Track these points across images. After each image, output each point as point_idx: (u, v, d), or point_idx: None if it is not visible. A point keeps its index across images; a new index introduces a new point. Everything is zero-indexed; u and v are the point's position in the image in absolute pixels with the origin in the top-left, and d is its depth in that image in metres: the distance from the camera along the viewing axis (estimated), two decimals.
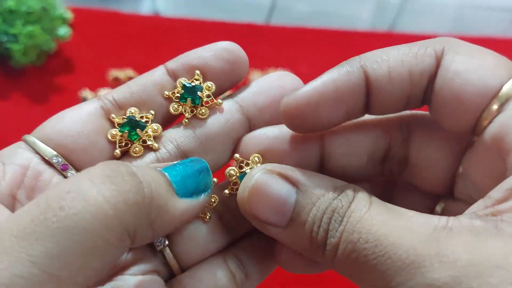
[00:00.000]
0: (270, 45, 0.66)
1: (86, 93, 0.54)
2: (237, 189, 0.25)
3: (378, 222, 0.20)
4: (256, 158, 0.26)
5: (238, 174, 0.26)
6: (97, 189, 0.19)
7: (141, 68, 0.59)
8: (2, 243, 0.18)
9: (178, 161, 0.25)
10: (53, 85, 0.57)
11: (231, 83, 0.28)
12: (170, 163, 0.24)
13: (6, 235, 0.18)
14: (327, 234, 0.21)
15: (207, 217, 0.27)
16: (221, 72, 0.27)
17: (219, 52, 0.27)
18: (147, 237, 0.21)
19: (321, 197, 0.22)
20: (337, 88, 0.24)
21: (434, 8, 0.79)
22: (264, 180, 0.24)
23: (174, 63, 0.27)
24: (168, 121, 0.27)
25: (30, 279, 0.18)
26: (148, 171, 0.22)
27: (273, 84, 0.27)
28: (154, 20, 0.69)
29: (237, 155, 0.26)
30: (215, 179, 0.26)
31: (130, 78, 0.57)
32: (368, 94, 0.24)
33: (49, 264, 0.18)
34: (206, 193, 0.24)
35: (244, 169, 0.26)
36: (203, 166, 0.25)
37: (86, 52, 0.61)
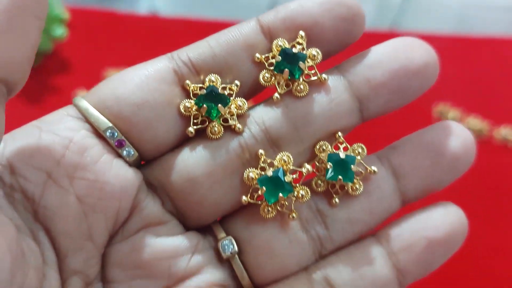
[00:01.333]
0: None
1: (82, 93, 0.53)
2: (258, 197, 0.20)
3: None
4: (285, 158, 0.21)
5: (257, 177, 0.20)
6: None
7: None
8: None
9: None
10: (50, 85, 0.56)
11: (340, 48, 0.22)
12: None
13: None
14: None
15: (293, 215, 0.21)
16: (333, 34, 0.21)
17: (335, 8, 0.21)
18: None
19: None
20: None
21: (436, 7, 0.78)
22: None
23: (272, 17, 0.21)
24: (255, 92, 0.22)
25: None
26: None
27: (396, 54, 0.21)
28: (151, 20, 0.68)
29: (261, 151, 0.21)
30: (309, 167, 0.21)
31: None
32: None
33: None
34: None
35: (267, 171, 0.21)
36: None
37: (83, 52, 0.60)
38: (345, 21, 0.21)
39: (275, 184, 0.20)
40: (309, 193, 0.21)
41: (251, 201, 0.21)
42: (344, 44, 0.22)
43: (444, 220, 0.22)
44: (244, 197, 0.21)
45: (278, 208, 0.21)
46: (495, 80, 0.64)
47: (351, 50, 0.72)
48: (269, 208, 0.21)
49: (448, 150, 0.22)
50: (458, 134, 0.22)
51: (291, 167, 0.21)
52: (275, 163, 0.21)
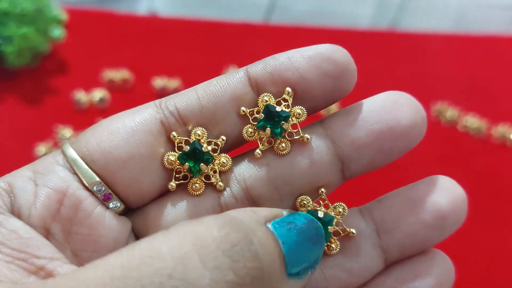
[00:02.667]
0: (270, 44, 0.66)
1: (80, 94, 0.53)
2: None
3: None
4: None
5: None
6: (209, 278, 0.14)
7: (137, 69, 0.58)
8: None
9: (292, 213, 0.19)
10: (48, 86, 0.56)
11: (327, 103, 0.21)
12: (279, 211, 0.19)
13: None
14: None
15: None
16: (320, 91, 0.20)
17: (322, 63, 0.20)
18: None
19: None
20: None
21: (436, 5, 0.78)
22: None
23: (260, 70, 0.21)
24: (240, 143, 0.22)
25: None
26: (266, 242, 0.16)
27: (382, 114, 0.20)
28: (149, 20, 0.68)
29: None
30: (353, 231, 0.21)
31: (125, 79, 0.56)
32: None
33: None
34: (312, 269, 0.18)
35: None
36: (319, 234, 0.19)
37: (81, 53, 0.60)
38: (333, 78, 0.20)
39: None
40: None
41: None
42: (332, 100, 0.21)
43: (431, 271, 0.21)
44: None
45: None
46: (493, 79, 0.64)
47: (352, 49, 0.72)
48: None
49: (435, 207, 0.21)
50: (448, 190, 0.21)
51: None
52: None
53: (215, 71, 0.60)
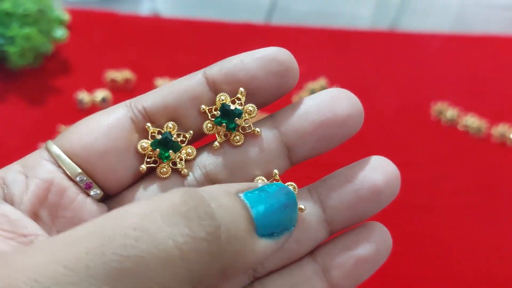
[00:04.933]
0: (271, 45, 0.66)
1: (83, 95, 0.54)
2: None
3: None
4: None
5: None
6: (168, 232, 0.17)
7: (139, 69, 0.59)
8: (50, 272, 0.15)
9: (262, 183, 0.22)
10: (50, 87, 0.56)
11: (275, 98, 0.24)
12: (253, 184, 0.21)
13: (55, 263, 0.16)
14: None
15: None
16: (268, 87, 0.24)
17: (269, 64, 0.23)
18: (215, 282, 0.18)
19: None
20: None
21: (436, 6, 0.79)
22: None
23: (216, 72, 0.24)
24: (201, 136, 0.25)
25: None
26: (229, 206, 0.19)
27: (323, 107, 0.24)
28: (152, 21, 0.68)
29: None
30: (302, 206, 0.24)
31: (127, 80, 0.57)
32: None
33: None
34: (288, 231, 0.21)
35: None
36: (291, 199, 0.21)
37: (83, 54, 0.61)
38: (278, 76, 0.23)
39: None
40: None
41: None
42: (279, 95, 0.24)
43: (370, 239, 0.24)
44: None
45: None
46: (493, 79, 0.64)
47: (352, 49, 0.72)
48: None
49: (370, 183, 0.24)
50: (382, 168, 0.24)
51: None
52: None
53: None
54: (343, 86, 0.64)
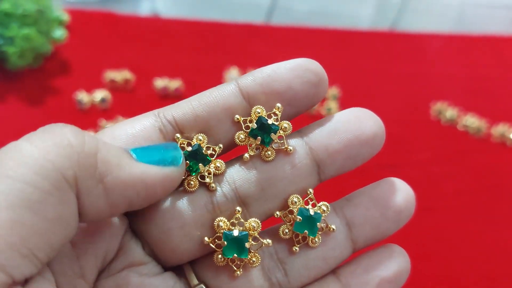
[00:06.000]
0: (271, 45, 0.66)
1: (82, 95, 0.54)
2: (217, 245, 0.23)
3: None
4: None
5: (225, 229, 0.23)
6: (30, 141, 0.18)
7: (138, 69, 0.59)
8: None
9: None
10: (50, 87, 0.56)
11: (308, 107, 0.24)
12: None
13: None
14: None
15: (238, 272, 0.24)
16: (303, 97, 0.24)
17: (303, 73, 0.23)
18: (98, 193, 0.19)
19: None
20: None
21: (436, 6, 0.79)
22: None
23: (250, 83, 0.23)
24: (230, 147, 0.25)
25: None
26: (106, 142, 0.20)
27: (350, 125, 0.24)
28: (151, 21, 0.68)
29: (238, 208, 0.23)
30: (269, 241, 0.24)
31: (126, 80, 0.56)
32: None
33: None
34: (175, 166, 0.22)
35: (234, 230, 0.23)
36: (172, 144, 0.22)
37: (83, 54, 0.61)
38: (313, 85, 0.23)
39: (236, 243, 0.23)
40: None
41: (211, 244, 0.23)
42: (312, 104, 0.24)
43: (392, 260, 0.25)
44: (206, 238, 0.23)
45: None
46: (492, 79, 0.64)
47: (352, 49, 0.72)
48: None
49: (393, 204, 0.25)
50: (402, 190, 0.25)
51: (256, 234, 0.24)
52: (246, 225, 0.24)
53: (216, 72, 0.60)
54: (343, 86, 0.64)
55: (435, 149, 0.55)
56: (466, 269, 0.45)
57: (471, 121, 0.57)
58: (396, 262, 0.25)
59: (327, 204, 0.24)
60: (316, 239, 0.24)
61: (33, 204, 0.17)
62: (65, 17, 0.60)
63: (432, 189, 0.51)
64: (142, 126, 0.23)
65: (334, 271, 0.25)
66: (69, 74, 0.58)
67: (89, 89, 0.55)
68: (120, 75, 0.57)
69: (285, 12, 0.75)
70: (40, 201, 0.17)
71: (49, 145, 0.18)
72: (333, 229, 0.24)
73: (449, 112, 0.58)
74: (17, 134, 0.24)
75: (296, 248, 0.24)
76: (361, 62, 0.65)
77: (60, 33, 0.58)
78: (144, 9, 0.71)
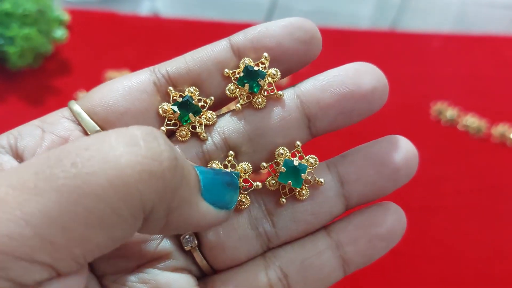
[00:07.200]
0: None
1: (82, 95, 0.54)
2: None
3: None
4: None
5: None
6: (121, 151, 0.16)
7: (139, 69, 0.58)
8: None
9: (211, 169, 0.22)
10: (50, 87, 0.56)
11: (299, 66, 0.24)
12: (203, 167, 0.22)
13: (3, 186, 0.15)
14: None
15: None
16: (293, 54, 0.24)
17: (294, 31, 0.23)
18: (159, 224, 0.19)
19: None
20: None
21: (436, 5, 0.78)
22: None
23: (241, 38, 0.24)
24: (224, 102, 0.25)
25: (20, 241, 0.15)
26: (183, 156, 0.20)
27: (346, 79, 0.24)
28: (151, 21, 0.68)
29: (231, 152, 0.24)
30: (259, 183, 0.24)
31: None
32: None
33: (45, 227, 0.15)
34: (227, 209, 0.21)
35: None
36: (234, 182, 0.22)
37: (83, 54, 0.61)
38: (304, 43, 0.23)
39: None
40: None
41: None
42: (303, 63, 0.24)
43: (385, 218, 0.24)
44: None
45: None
46: (493, 79, 0.64)
47: (352, 49, 0.72)
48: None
49: (390, 161, 0.24)
50: (403, 147, 0.24)
51: (247, 177, 0.24)
52: (238, 167, 0.24)
53: None
54: None
55: (435, 149, 0.55)
56: (466, 269, 0.45)
57: (471, 121, 0.57)
58: (390, 219, 0.24)
59: (315, 158, 0.24)
60: (304, 192, 0.24)
61: (107, 226, 0.16)
62: (66, 17, 0.60)
63: (432, 189, 0.51)
64: (138, 80, 0.24)
65: (326, 228, 0.25)
66: (70, 74, 0.58)
67: (89, 89, 0.55)
68: (120, 75, 0.57)
69: (285, 11, 0.75)
70: (114, 225, 0.17)
71: (143, 171, 0.17)
72: (321, 182, 0.24)
73: (449, 112, 0.58)
74: None
75: (283, 200, 0.24)
76: (361, 61, 0.65)
77: (60, 33, 0.58)
78: (144, 9, 0.71)
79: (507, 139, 0.56)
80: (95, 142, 0.17)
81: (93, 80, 0.57)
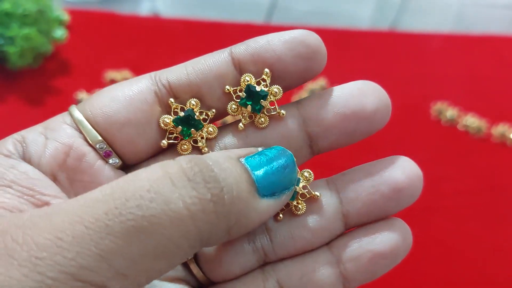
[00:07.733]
0: None
1: (82, 95, 0.54)
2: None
3: None
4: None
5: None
6: (178, 194, 0.18)
7: (138, 69, 0.58)
8: (73, 230, 0.17)
9: (262, 149, 0.22)
10: (50, 87, 0.56)
11: (301, 81, 0.24)
12: (253, 149, 0.22)
13: (77, 223, 0.17)
14: None
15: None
16: (294, 71, 0.23)
17: (296, 46, 0.23)
18: (221, 240, 0.20)
19: None
20: None
21: (436, 6, 0.78)
22: None
23: (242, 51, 0.24)
24: (221, 115, 0.25)
25: (97, 273, 0.17)
26: (231, 170, 0.20)
27: (350, 99, 0.23)
28: (151, 21, 0.68)
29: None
30: (317, 193, 0.24)
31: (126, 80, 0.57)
32: None
33: (118, 262, 0.17)
34: (288, 191, 0.22)
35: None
36: (289, 160, 0.22)
37: (83, 54, 0.61)
38: (305, 59, 0.23)
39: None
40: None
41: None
42: (305, 79, 0.24)
43: (389, 235, 0.24)
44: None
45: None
46: (493, 79, 0.64)
47: (352, 49, 0.72)
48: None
49: (392, 181, 0.23)
50: (406, 167, 0.24)
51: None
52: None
53: None
54: None
55: (435, 149, 0.55)
56: (466, 269, 0.45)
57: (471, 121, 0.57)
58: (394, 238, 0.23)
59: (310, 171, 0.24)
60: (300, 206, 0.24)
61: (169, 256, 0.18)
62: (65, 17, 0.60)
63: (432, 189, 0.51)
64: (138, 89, 0.23)
65: (328, 244, 0.25)
66: (70, 74, 0.58)
67: (90, 89, 0.55)
68: (120, 75, 0.57)
69: (285, 12, 0.75)
70: (175, 255, 0.19)
71: (198, 211, 0.18)
72: (317, 195, 0.24)
73: (449, 112, 0.58)
74: None
75: (280, 215, 0.24)
76: (361, 62, 0.65)
77: (60, 33, 0.58)
78: (144, 9, 0.71)
79: (507, 139, 0.56)
80: (154, 183, 0.18)
81: (93, 80, 0.57)
